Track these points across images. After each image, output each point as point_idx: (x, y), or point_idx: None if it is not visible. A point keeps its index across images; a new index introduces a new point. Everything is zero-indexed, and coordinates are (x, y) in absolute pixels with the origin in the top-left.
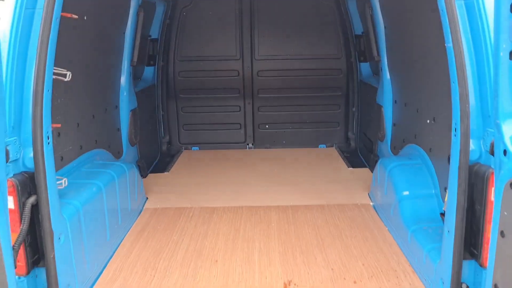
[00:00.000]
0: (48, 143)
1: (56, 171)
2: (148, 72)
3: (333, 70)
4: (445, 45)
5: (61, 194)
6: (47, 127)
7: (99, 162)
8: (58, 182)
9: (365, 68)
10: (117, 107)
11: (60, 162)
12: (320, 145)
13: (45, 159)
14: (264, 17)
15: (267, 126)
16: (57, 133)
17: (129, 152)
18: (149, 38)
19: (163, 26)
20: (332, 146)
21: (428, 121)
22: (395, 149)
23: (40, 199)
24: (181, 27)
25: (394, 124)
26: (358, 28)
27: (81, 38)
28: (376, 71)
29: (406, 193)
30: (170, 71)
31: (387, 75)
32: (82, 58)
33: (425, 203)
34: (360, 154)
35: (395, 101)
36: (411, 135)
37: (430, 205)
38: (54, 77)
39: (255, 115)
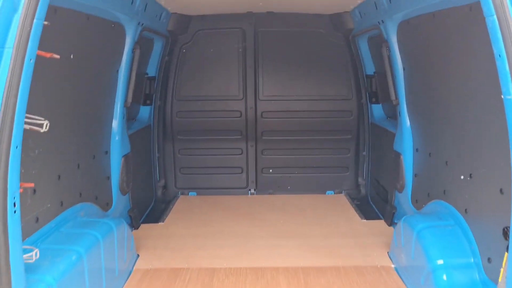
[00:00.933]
0: (15, 212)
1: (29, 235)
2: (144, 112)
3: (343, 112)
4: (502, 96)
5: (32, 268)
6: (14, 192)
7: (82, 219)
8: (27, 256)
9: (377, 110)
10: (107, 152)
11: (35, 224)
12: (327, 192)
13: (9, 234)
14: (269, 54)
15: (271, 170)
16: (31, 191)
17: (119, 202)
18: (146, 76)
19: (161, 64)
20: (340, 192)
21: (462, 177)
22: (418, 203)
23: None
24: (181, 64)
25: (415, 175)
26: (369, 68)
27: (66, 78)
28: (391, 114)
29: (440, 262)
30: (167, 111)
31: (406, 120)
32: (67, 101)
33: (463, 274)
34: (371, 203)
35: (417, 149)
36: (439, 190)
37: (470, 276)
38: (26, 127)
39: (258, 159)
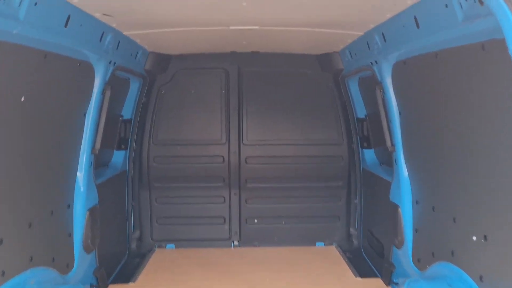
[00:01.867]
0: None
1: None
2: (118, 157)
3: (333, 157)
4: None
5: None
6: None
7: None
8: None
9: (369, 155)
10: (69, 206)
11: None
12: (317, 243)
13: None
14: (253, 96)
15: (256, 220)
16: None
17: (83, 262)
18: (120, 118)
19: (138, 105)
20: (331, 243)
21: (474, 238)
22: (421, 263)
23: None
24: (159, 106)
25: (416, 230)
26: (360, 111)
27: (16, 125)
28: (385, 160)
29: None
30: (144, 156)
31: (404, 169)
32: (19, 148)
33: None
34: (365, 256)
35: (416, 201)
36: (446, 251)
37: None
38: None
39: (242, 208)
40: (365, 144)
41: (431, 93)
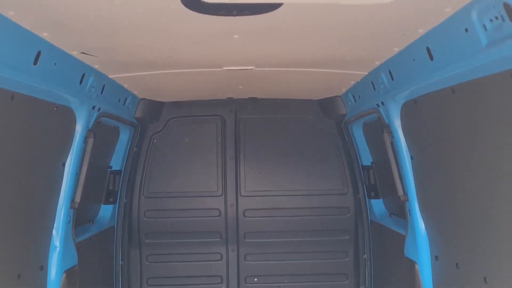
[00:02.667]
0: None
1: None
2: (105, 212)
3: (338, 209)
4: None
5: None
6: None
7: None
8: None
9: (377, 206)
10: (42, 268)
11: None
12: None
13: None
14: (252, 144)
15: (256, 279)
16: None
17: None
18: (109, 169)
19: (128, 155)
20: None
21: None
22: None
23: None
24: (151, 156)
25: None
26: (365, 158)
27: None
28: (395, 211)
29: None
30: (134, 210)
31: (419, 220)
32: None
33: None
34: None
35: (436, 257)
36: None
37: None
38: None
39: (241, 265)
40: (372, 194)
41: (447, 134)
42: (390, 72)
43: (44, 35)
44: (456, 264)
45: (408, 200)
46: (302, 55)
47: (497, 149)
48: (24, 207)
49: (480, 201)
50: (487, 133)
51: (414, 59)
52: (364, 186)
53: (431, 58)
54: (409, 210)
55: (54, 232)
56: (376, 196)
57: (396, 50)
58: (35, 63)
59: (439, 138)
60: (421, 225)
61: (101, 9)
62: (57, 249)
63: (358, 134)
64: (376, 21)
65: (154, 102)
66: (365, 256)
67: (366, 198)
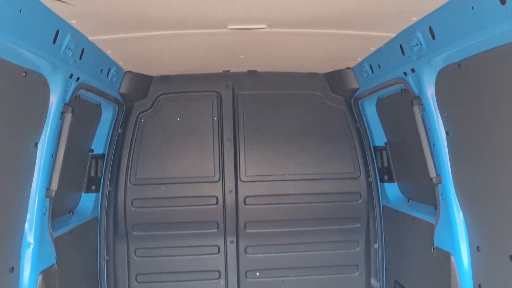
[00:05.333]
0: None
1: None
2: (87, 201)
3: (349, 194)
4: None
5: None
6: None
7: None
8: None
9: (391, 190)
10: (13, 269)
11: None
12: None
13: None
14: (252, 123)
15: (257, 273)
16: None
17: None
18: (90, 153)
19: (112, 137)
20: None
21: None
22: None
23: None
24: (138, 138)
25: (479, 285)
26: (378, 139)
27: None
28: (416, 195)
29: None
30: (120, 199)
31: (455, 205)
32: None
33: None
34: None
35: (478, 247)
36: None
37: None
38: None
39: (241, 259)
40: (386, 177)
41: (498, 105)
42: (430, 29)
43: None
44: (510, 256)
45: (441, 183)
46: (328, 7)
47: None
48: None
49: None
50: None
51: (464, 10)
52: (376, 169)
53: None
54: (441, 194)
55: (26, 226)
56: (390, 180)
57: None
58: None
59: (485, 110)
60: (457, 210)
61: None
62: (31, 246)
63: (371, 111)
64: None
65: (141, 76)
66: (376, 246)
67: (378, 182)
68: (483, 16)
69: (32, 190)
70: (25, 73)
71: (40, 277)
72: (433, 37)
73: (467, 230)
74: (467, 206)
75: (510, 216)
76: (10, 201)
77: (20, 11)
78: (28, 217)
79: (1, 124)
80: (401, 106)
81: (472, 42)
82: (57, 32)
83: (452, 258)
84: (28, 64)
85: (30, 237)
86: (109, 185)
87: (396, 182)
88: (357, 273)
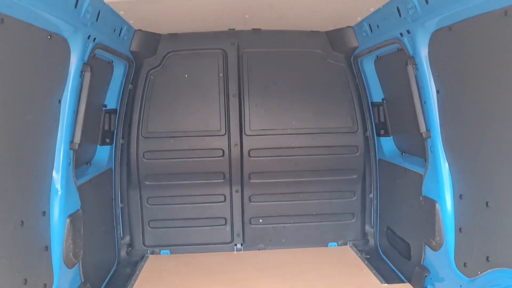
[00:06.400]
0: None
1: None
2: (103, 153)
3: (347, 147)
4: None
5: None
6: None
7: None
8: None
9: (387, 144)
10: (45, 213)
11: None
12: (330, 243)
13: None
14: (256, 80)
15: (261, 220)
16: None
17: (64, 279)
18: (104, 108)
19: (123, 93)
20: (345, 243)
21: None
22: (468, 268)
23: None
24: (148, 94)
25: (460, 229)
26: (376, 95)
27: None
28: (409, 149)
29: None
30: (132, 152)
31: (442, 157)
32: None
33: None
34: (384, 256)
35: (460, 195)
36: (508, 256)
37: None
38: None
39: (246, 207)
40: (382, 132)
41: (486, 65)
42: None
43: None
44: (487, 202)
45: (430, 137)
46: None
47: None
48: (22, 148)
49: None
50: None
51: None
52: (373, 123)
53: None
54: (430, 147)
55: (54, 175)
56: (386, 134)
57: None
58: None
59: (473, 71)
60: (443, 162)
61: None
62: (59, 193)
63: (369, 68)
64: None
65: (150, 34)
66: (371, 195)
67: (375, 136)
68: None
69: (57, 143)
70: (50, 36)
71: (68, 220)
72: (427, 2)
73: (451, 180)
74: (452, 158)
75: (489, 168)
76: (40, 153)
77: None
78: (55, 167)
79: (29, 84)
80: (397, 65)
81: (461, 8)
82: None
83: (437, 205)
84: (53, 27)
85: (58, 185)
86: (122, 138)
87: (392, 137)
88: (353, 220)
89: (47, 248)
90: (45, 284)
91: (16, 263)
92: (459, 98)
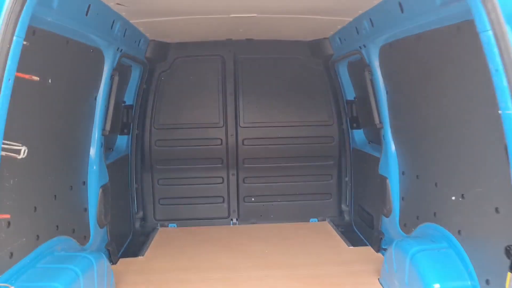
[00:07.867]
0: None
1: (3, 272)
2: (121, 141)
3: (324, 138)
4: (500, 112)
5: None
6: None
7: (60, 254)
8: None
9: (358, 135)
10: (84, 183)
11: (9, 260)
12: (311, 219)
13: None
14: (249, 81)
15: (253, 199)
16: (6, 224)
17: (97, 235)
18: (123, 104)
19: (139, 91)
20: (324, 220)
21: (453, 197)
22: (407, 227)
23: None
24: (159, 92)
25: (402, 198)
26: (349, 93)
27: (44, 103)
28: (372, 139)
29: (437, 286)
30: (145, 140)
31: (391, 144)
32: (45, 127)
33: None
34: (356, 229)
35: (403, 172)
36: (429, 213)
37: None
38: (3, 154)
39: (240, 187)
40: (354, 125)
41: (415, 72)
42: (370, 20)
43: None
44: (417, 176)
45: (383, 128)
46: (298, 3)
47: (448, 84)
48: (70, 132)
49: (435, 127)
50: (443, 71)
51: (389, 11)
52: (347, 118)
53: (402, 11)
54: (383, 136)
55: (91, 153)
56: (358, 127)
57: (376, 2)
58: (86, 14)
59: (408, 76)
60: (392, 147)
61: None
62: (94, 167)
63: (343, 72)
64: None
65: (162, 43)
66: (347, 179)
67: (349, 129)
68: (396, 17)
69: (94, 130)
70: (92, 49)
71: (101, 190)
72: (372, 25)
73: (397, 161)
74: (398, 144)
75: (419, 150)
76: (81, 137)
77: (97, 14)
78: (92, 148)
79: (75, 85)
80: (361, 70)
81: (395, 31)
82: (113, 21)
83: (387, 181)
84: (95, 44)
85: (94, 162)
86: (137, 129)
87: (362, 129)
88: (331, 200)
89: (86, 210)
90: (84, 236)
91: (68, 216)
92: (402, 97)
